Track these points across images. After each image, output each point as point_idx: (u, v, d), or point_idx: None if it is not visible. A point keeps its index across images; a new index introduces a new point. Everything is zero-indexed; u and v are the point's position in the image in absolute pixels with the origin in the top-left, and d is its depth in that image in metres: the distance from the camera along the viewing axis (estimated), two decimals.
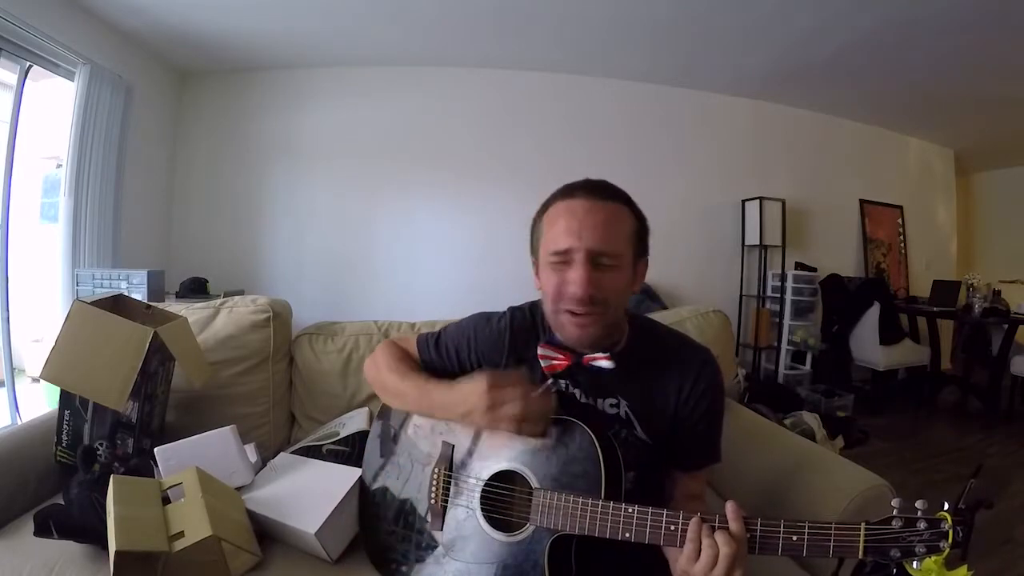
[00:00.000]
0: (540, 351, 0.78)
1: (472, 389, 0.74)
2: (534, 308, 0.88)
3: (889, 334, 3.46)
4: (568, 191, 0.75)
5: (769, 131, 3.75)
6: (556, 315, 0.75)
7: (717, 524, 0.60)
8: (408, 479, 0.86)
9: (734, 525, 0.59)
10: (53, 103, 2.78)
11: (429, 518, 0.81)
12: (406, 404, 0.88)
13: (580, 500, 0.67)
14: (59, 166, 2.64)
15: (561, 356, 0.77)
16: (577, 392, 0.80)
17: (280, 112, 3.27)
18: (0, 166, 2.25)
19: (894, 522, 0.54)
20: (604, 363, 0.75)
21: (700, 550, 0.59)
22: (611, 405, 0.79)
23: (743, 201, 3.62)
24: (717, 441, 0.81)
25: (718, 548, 0.58)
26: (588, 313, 0.71)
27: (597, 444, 0.68)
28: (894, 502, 0.55)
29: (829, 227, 3.97)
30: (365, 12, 2.60)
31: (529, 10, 2.56)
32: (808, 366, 3.54)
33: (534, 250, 0.80)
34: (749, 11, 2.48)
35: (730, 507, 0.60)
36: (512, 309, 0.89)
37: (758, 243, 3.50)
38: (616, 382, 0.78)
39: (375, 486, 0.92)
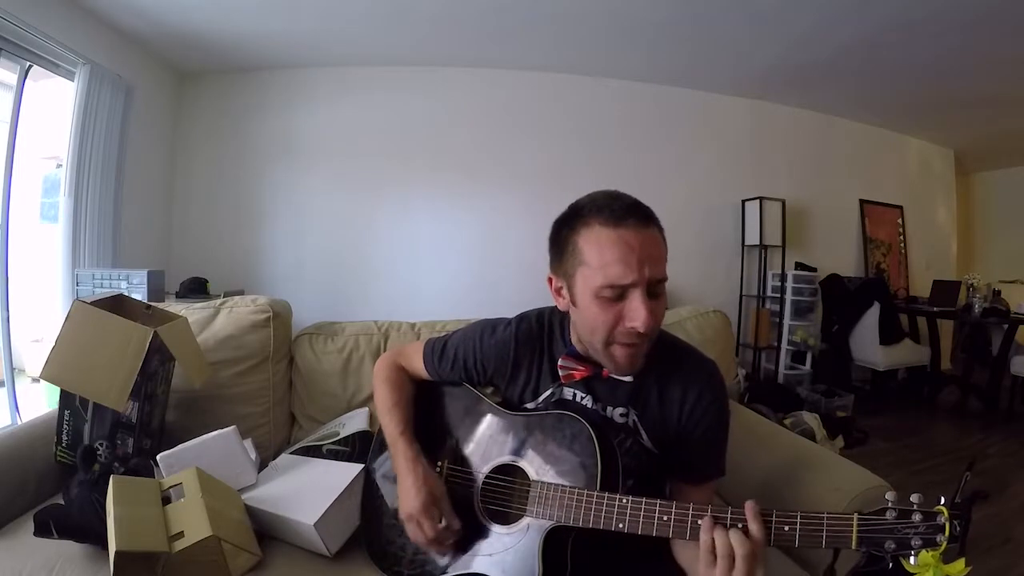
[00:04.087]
0: (561, 361, 0.78)
1: (411, 494, 0.78)
2: (542, 318, 0.87)
3: (889, 334, 3.46)
4: (616, 218, 0.67)
5: (769, 131, 3.75)
6: (607, 347, 0.71)
7: (730, 521, 0.60)
8: None
9: (753, 525, 0.58)
10: (53, 103, 2.78)
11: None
12: (385, 435, 0.90)
13: (575, 491, 0.68)
14: (59, 166, 2.64)
15: (581, 368, 0.77)
16: (588, 400, 0.80)
17: (280, 112, 3.27)
18: (0, 166, 2.25)
19: (888, 514, 0.54)
20: (625, 376, 0.76)
21: (714, 549, 0.58)
22: (620, 414, 0.79)
23: (743, 201, 3.62)
24: (721, 454, 0.80)
25: (733, 549, 0.57)
26: (641, 343, 0.70)
27: (594, 438, 0.69)
28: (888, 495, 0.55)
29: (829, 227, 3.97)
30: (365, 12, 2.60)
31: (529, 10, 2.56)
32: (808, 366, 3.54)
33: (562, 269, 0.73)
34: (749, 11, 2.48)
35: (749, 507, 0.59)
36: (519, 318, 0.88)
37: (758, 243, 3.50)
38: (627, 392, 0.78)
39: (378, 478, 0.93)
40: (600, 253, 0.67)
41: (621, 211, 0.68)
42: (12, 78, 2.30)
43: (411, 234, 3.35)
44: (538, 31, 2.81)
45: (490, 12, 2.60)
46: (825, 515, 0.56)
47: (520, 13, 2.59)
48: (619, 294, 0.67)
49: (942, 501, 0.53)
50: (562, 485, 0.69)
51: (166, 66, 3.09)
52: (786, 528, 0.58)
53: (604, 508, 0.65)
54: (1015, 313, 3.45)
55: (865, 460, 1.03)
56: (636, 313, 0.66)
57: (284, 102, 3.27)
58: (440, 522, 0.76)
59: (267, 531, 0.93)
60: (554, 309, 0.85)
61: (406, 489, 0.78)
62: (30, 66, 2.31)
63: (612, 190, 0.72)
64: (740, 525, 0.59)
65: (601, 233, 0.67)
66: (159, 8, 2.47)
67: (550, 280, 0.77)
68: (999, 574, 1.60)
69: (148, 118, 2.91)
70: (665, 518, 0.63)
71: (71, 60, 2.36)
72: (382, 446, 0.96)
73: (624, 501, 0.65)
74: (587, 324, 0.71)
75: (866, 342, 3.51)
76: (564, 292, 0.74)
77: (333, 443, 1.13)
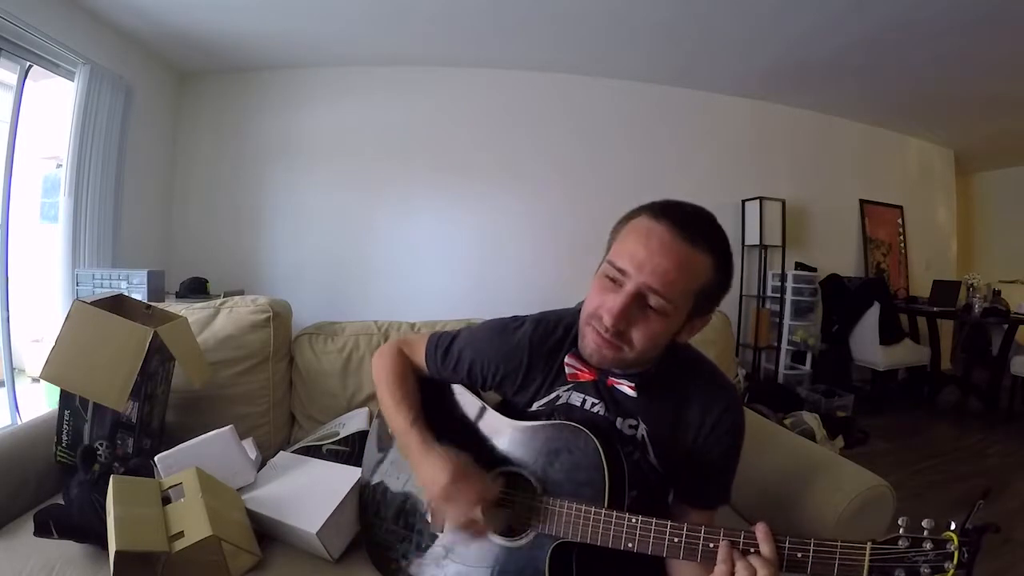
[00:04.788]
0: (568, 359, 0.75)
1: (437, 472, 0.72)
2: (562, 321, 0.83)
3: (889, 334, 3.46)
4: (659, 212, 0.67)
5: (769, 131, 3.75)
6: (585, 325, 0.71)
7: (742, 543, 0.59)
8: (409, 478, 0.86)
9: (766, 547, 0.58)
10: (53, 103, 2.78)
11: (429, 518, 0.81)
12: (392, 429, 0.86)
13: (583, 508, 0.66)
14: (59, 166, 2.64)
15: (587, 370, 0.74)
16: (599, 407, 0.77)
17: (280, 112, 3.27)
18: (0, 166, 2.25)
19: (900, 542, 0.54)
20: (627, 390, 0.73)
21: (732, 573, 0.58)
22: (630, 426, 0.76)
23: (743, 201, 3.62)
24: (729, 483, 0.78)
25: (755, 570, 0.57)
26: (610, 341, 0.68)
27: (602, 453, 0.67)
28: (901, 520, 0.55)
29: (829, 227, 3.97)
30: (365, 12, 2.60)
31: (529, 10, 2.56)
32: (808, 366, 3.54)
33: (606, 251, 0.74)
34: (749, 11, 2.48)
35: (760, 529, 0.59)
36: (537, 320, 0.84)
37: (758, 243, 3.50)
38: (638, 404, 0.75)
39: (375, 483, 0.92)
40: (626, 237, 0.68)
41: (669, 210, 0.67)
42: (12, 78, 2.30)
43: (411, 234, 3.35)
44: (538, 31, 2.81)
45: (490, 12, 2.60)
46: (839, 543, 0.56)
47: (520, 13, 2.59)
48: (614, 279, 0.67)
49: (952, 527, 0.53)
50: (569, 500, 0.67)
51: (166, 66, 3.09)
52: (799, 555, 0.57)
53: (613, 527, 0.64)
54: (1015, 313, 3.46)
55: (865, 460, 1.02)
56: (610, 302, 0.66)
57: (284, 102, 3.27)
58: (472, 495, 0.70)
59: (268, 532, 0.93)
60: (576, 311, 0.82)
61: (428, 474, 0.74)
62: (30, 66, 2.31)
63: (696, 206, 0.70)
64: (753, 549, 0.59)
65: (640, 222, 0.68)
66: (159, 8, 2.47)
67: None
68: (999, 574, 1.60)
69: (148, 118, 2.91)
70: (676, 540, 0.62)
71: (71, 60, 2.36)
72: (378, 449, 0.95)
73: (634, 521, 0.63)
74: (584, 304, 0.72)
75: (866, 342, 3.51)
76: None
77: (333, 443, 1.14)
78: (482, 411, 0.83)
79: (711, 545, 0.60)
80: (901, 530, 0.54)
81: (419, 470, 0.77)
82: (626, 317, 0.65)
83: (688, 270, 0.65)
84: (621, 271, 0.66)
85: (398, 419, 0.83)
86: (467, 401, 0.86)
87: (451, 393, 0.89)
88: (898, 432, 3.02)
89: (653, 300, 0.65)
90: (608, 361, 0.70)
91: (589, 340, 0.70)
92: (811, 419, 2.61)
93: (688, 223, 0.65)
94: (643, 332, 0.66)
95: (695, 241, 0.65)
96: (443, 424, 0.86)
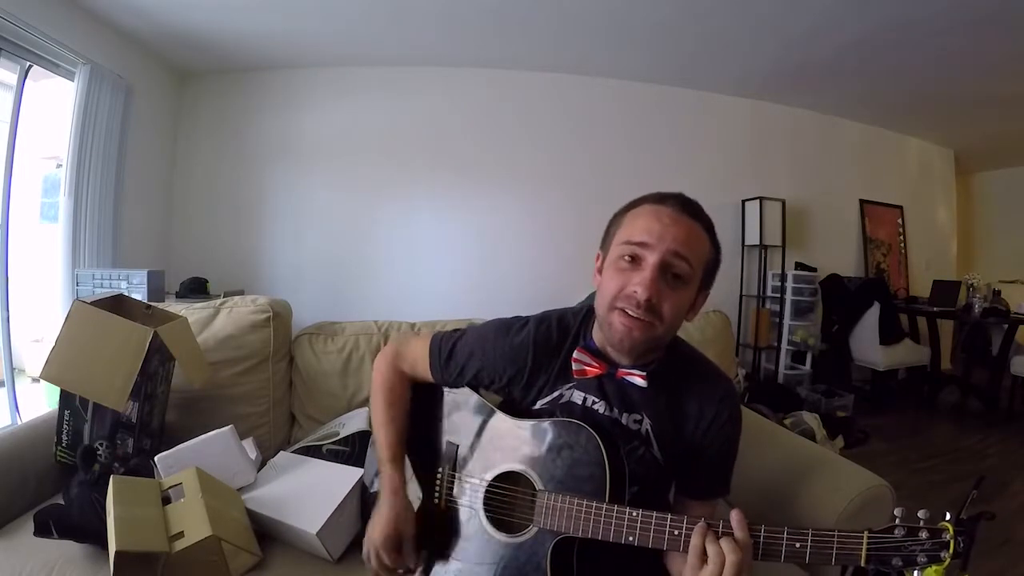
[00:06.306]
0: (576, 355, 0.76)
1: (386, 523, 0.77)
2: (564, 320, 0.84)
3: (889, 334, 3.46)
4: (660, 198, 0.74)
5: (769, 131, 3.75)
6: (608, 312, 0.72)
7: (722, 531, 0.60)
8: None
9: (739, 533, 0.59)
10: (53, 103, 2.78)
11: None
12: (376, 445, 0.89)
13: (584, 503, 0.67)
14: (59, 166, 2.64)
15: (595, 364, 0.75)
16: (600, 406, 0.78)
17: (279, 112, 3.27)
18: (0, 166, 2.25)
19: (896, 531, 0.54)
20: (638, 380, 0.73)
21: (705, 557, 0.59)
22: (635, 421, 0.77)
23: (743, 201, 3.62)
24: (729, 472, 0.80)
25: (724, 555, 0.58)
26: (641, 319, 0.69)
27: (603, 448, 0.68)
28: (896, 511, 0.56)
29: (829, 227, 3.97)
30: (365, 12, 2.60)
31: (529, 10, 2.56)
32: (808, 366, 3.54)
33: (604, 244, 0.78)
34: (749, 11, 2.48)
35: (735, 515, 0.60)
36: (538, 320, 0.84)
37: (758, 243, 3.50)
38: (643, 399, 0.77)
39: (377, 484, 0.92)
40: (634, 220, 0.73)
41: (670, 195, 0.74)
42: (12, 78, 2.30)
43: (411, 234, 3.35)
44: (538, 31, 2.81)
45: (490, 12, 2.60)
46: (836, 532, 0.57)
47: (520, 13, 2.59)
48: (635, 257, 0.70)
49: (947, 517, 0.54)
50: (570, 496, 0.68)
51: (166, 66, 3.09)
52: (797, 545, 0.58)
53: (614, 521, 0.65)
54: (1015, 313, 3.45)
55: (865, 460, 1.03)
56: (639, 278, 0.68)
57: (284, 102, 3.27)
58: (393, 563, 0.76)
59: (268, 532, 0.93)
60: (577, 311, 0.84)
61: (378, 517, 0.78)
62: (30, 66, 2.31)
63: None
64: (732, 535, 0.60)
65: (643, 208, 0.74)
66: (159, 8, 2.47)
67: (597, 257, 0.80)
68: (999, 574, 1.60)
69: (148, 118, 2.91)
70: (676, 532, 0.62)
71: (71, 60, 2.36)
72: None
73: (635, 514, 0.64)
74: (601, 293, 0.74)
75: (866, 342, 3.51)
76: (599, 265, 0.77)
77: (333, 443, 1.14)
78: (484, 409, 0.83)
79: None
80: (897, 520, 0.55)
81: (378, 507, 0.80)
82: (657, 288, 0.68)
83: (697, 241, 0.71)
84: (641, 244, 0.70)
85: (380, 445, 0.85)
86: (468, 399, 0.86)
87: (453, 390, 0.88)
88: (898, 432, 3.02)
89: (677, 267, 0.69)
90: (639, 343, 0.71)
91: (617, 324, 0.71)
92: (811, 419, 2.61)
93: (687, 204, 0.73)
94: (672, 303, 0.70)
95: (695, 217, 0.72)
96: (445, 421, 0.86)
